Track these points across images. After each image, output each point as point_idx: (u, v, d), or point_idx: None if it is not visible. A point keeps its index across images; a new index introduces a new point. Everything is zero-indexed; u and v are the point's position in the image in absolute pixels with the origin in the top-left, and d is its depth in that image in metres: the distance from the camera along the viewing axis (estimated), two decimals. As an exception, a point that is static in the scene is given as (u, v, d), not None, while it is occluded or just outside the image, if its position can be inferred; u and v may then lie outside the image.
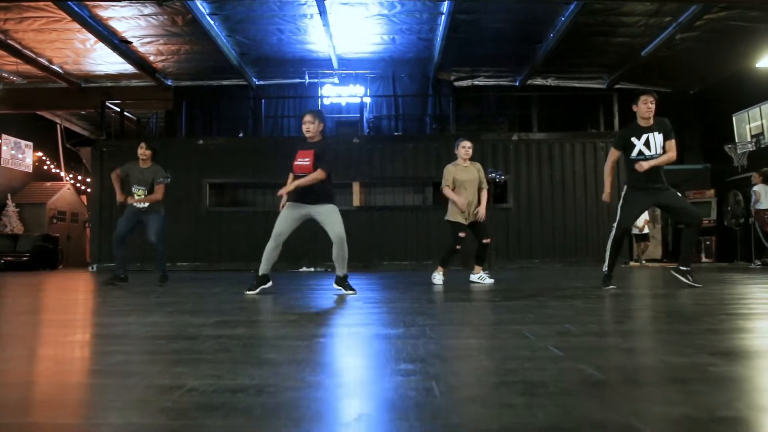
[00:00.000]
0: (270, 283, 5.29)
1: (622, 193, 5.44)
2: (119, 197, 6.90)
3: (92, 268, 13.23)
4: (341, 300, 4.70)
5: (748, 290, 5.42)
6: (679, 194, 5.48)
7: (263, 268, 5.19)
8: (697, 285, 5.25)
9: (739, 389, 1.64)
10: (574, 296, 4.72)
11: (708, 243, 14.54)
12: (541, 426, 1.28)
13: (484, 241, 6.71)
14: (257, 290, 5.18)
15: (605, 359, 2.04)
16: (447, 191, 6.66)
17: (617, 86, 15.44)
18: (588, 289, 5.46)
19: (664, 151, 5.24)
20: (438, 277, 6.73)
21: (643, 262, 13.80)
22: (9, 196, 16.31)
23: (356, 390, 1.70)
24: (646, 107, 5.27)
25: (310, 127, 5.10)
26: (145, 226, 6.86)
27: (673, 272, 5.47)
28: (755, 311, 3.70)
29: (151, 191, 6.80)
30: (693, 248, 5.56)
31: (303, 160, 5.09)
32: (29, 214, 16.61)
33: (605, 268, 5.50)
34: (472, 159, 6.80)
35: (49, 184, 17.89)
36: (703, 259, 14.39)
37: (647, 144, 5.25)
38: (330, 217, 5.09)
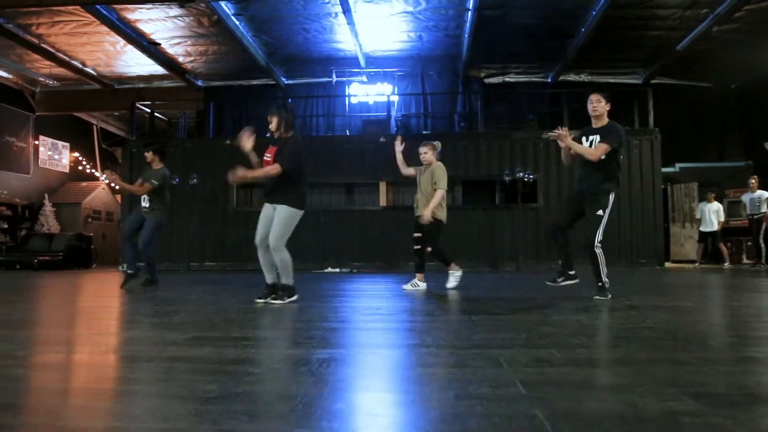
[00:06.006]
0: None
1: None
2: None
3: (122, 267, 13.41)
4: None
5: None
6: (599, 213, 5.00)
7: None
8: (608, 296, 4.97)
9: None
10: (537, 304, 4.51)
11: (749, 243, 13.69)
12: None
13: (428, 249, 6.42)
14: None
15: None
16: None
17: (653, 81, 14.94)
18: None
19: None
20: (421, 284, 6.44)
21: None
22: (46, 196, 16.67)
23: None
24: (591, 107, 5.20)
25: (271, 125, 4.92)
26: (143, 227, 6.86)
27: (596, 297, 5.00)
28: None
29: (154, 191, 6.80)
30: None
31: (267, 156, 4.93)
32: (65, 213, 16.95)
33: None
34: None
35: (84, 183, 18.22)
36: (744, 261, 13.73)
37: (591, 145, 5.11)
38: (275, 219, 4.85)
